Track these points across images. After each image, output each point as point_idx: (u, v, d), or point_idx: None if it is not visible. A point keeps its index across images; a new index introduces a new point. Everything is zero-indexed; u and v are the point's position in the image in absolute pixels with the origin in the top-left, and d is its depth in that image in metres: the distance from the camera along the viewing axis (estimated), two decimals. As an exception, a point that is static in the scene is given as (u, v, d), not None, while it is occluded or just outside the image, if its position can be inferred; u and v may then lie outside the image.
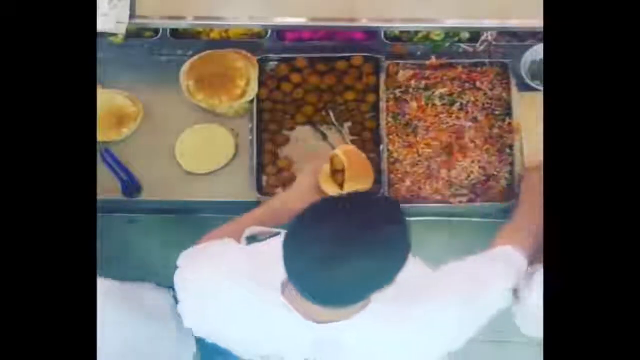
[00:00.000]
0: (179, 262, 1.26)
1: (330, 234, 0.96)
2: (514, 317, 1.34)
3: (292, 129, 1.70)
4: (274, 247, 1.04)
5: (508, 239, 1.33)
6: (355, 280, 0.98)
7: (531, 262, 1.30)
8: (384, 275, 1.01)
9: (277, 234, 1.27)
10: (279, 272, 1.02)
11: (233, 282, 1.17)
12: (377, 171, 1.63)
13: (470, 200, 1.66)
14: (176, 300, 1.26)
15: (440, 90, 1.68)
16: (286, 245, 1.00)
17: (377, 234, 0.98)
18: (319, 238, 0.97)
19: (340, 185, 1.47)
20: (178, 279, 1.24)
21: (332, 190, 1.47)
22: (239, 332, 1.19)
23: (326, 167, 1.49)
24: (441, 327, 1.18)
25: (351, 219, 0.98)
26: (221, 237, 1.30)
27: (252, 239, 1.32)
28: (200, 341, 1.57)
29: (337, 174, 1.49)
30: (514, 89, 1.67)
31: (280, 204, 1.47)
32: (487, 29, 1.68)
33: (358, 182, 1.49)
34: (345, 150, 1.50)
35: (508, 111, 1.67)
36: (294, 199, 1.44)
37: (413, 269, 1.20)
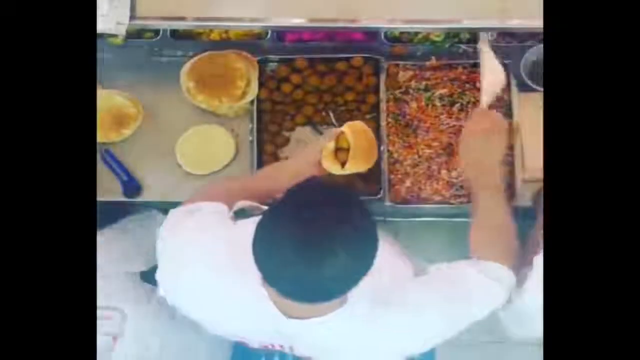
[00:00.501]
0: (165, 221, 1.26)
1: (303, 229, 0.95)
2: (500, 321, 1.33)
3: (292, 129, 1.70)
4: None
5: (489, 254, 1.30)
6: (328, 277, 0.96)
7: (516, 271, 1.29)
8: (355, 274, 1.00)
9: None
10: None
11: (213, 260, 1.16)
12: (378, 172, 1.63)
13: (470, 201, 1.65)
14: None
15: (441, 91, 1.68)
16: (257, 240, 1.00)
17: (351, 229, 0.97)
18: (290, 234, 0.96)
19: (342, 164, 1.45)
20: (159, 239, 1.24)
21: (333, 168, 1.45)
22: (210, 309, 1.20)
23: (331, 144, 1.46)
24: (413, 331, 1.17)
25: (324, 213, 0.97)
26: (211, 198, 1.29)
27: (241, 212, 1.31)
28: (235, 347, 1.58)
29: (341, 152, 1.46)
30: (514, 90, 1.66)
31: (277, 173, 1.46)
32: (487, 30, 1.68)
33: (360, 163, 1.47)
34: (353, 130, 1.46)
35: (508, 112, 1.67)
36: (292, 170, 1.44)
37: (397, 271, 1.21)
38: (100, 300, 1.41)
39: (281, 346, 1.21)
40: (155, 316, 1.52)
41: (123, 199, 1.67)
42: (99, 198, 1.60)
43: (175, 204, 1.58)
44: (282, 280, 0.99)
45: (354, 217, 0.98)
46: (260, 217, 1.03)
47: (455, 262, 1.28)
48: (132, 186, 1.67)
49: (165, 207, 1.43)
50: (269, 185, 1.41)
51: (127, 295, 1.52)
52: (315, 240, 0.95)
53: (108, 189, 1.66)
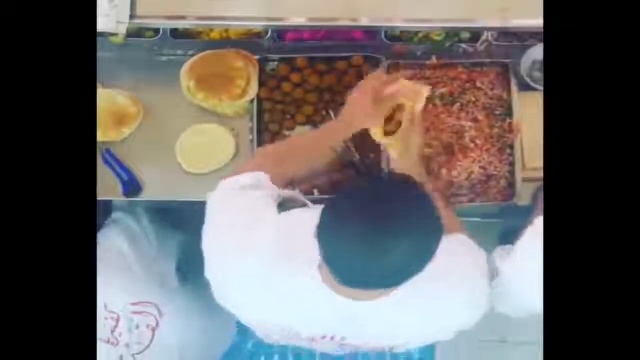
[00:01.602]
0: (215, 193, 1.25)
1: (368, 216, 0.96)
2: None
3: (292, 129, 1.70)
4: (308, 220, 1.04)
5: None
6: (390, 266, 0.97)
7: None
8: (416, 264, 1.01)
9: (306, 205, 1.28)
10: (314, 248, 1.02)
11: (263, 250, 1.15)
12: (378, 171, 1.63)
13: (470, 200, 1.65)
14: None
15: (441, 90, 1.68)
16: (322, 225, 1.00)
17: (413, 217, 0.98)
18: (356, 220, 0.96)
19: (388, 134, 1.43)
20: (208, 212, 1.23)
21: (378, 136, 1.42)
22: (262, 302, 1.18)
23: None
24: (452, 304, 1.19)
25: (389, 201, 0.98)
26: (261, 167, 1.28)
27: (280, 205, 1.29)
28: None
29: (390, 122, 1.44)
30: (514, 89, 1.66)
31: (325, 132, 1.46)
32: (487, 29, 1.68)
33: (404, 146, 1.43)
34: (415, 107, 1.42)
35: (508, 111, 1.66)
36: (341, 127, 1.43)
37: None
38: (137, 296, 1.44)
39: (332, 337, 1.19)
40: (188, 311, 1.55)
41: (123, 197, 1.67)
42: (99, 197, 1.61)
43: (175, 203, 1.60)
44: (345, 268, 1.00)
45: (418, 207, 1.00)
46: (325, 203, 1.03)
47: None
48: (132, 185, 1.67)
49: (164, 207, 1.44)
50: (317, 147, 1.41)
51: (161, 291, 1.54)
52: (380, 228, 0.96)
53: (108, 188, 1.66)
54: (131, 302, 1.49)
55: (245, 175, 1.27)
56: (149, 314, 1.51)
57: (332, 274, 1.03)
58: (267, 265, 1.15)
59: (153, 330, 1.52)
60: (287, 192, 1.30)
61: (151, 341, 1.52)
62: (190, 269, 1.62)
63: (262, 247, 1.16)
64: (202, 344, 1.64)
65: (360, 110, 1.41)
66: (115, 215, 1.74)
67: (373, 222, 0.96)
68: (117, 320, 1.48)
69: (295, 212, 1.22)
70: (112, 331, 1.48)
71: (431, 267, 1.08)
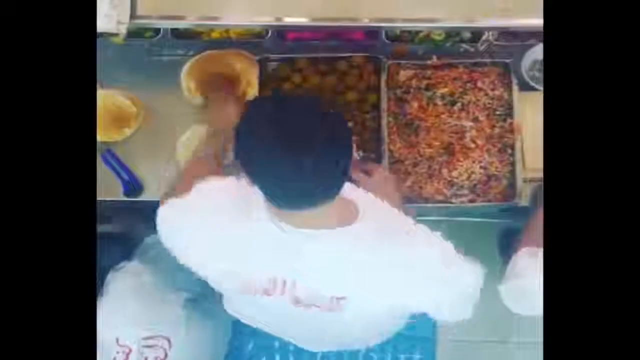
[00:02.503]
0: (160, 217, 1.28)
1: (282, 126, 1.01)
2: (503, 297, 1.34)
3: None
4: None
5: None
6: (308, 178, 1.01)
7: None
8: (336, 174, 1.06)
9: None
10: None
11: (216, 210, 1.20)
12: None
13: (471, 201, 1.65)
14: None
15: (442, 91, 1.68)
16: (240, 140, 1.05)
17: (320, 131, 1.02)
18: (269, 134, 1.01)
19: None
20: (161, 227, 1.27)
21: None
22: (210, 248, 1.22)
23: None
24: (410, 279, 1.18)
25: (295, 116, 1.03)
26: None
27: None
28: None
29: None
30: (515, 89, 1.66)
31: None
32: (488, 29, 1.68)
33: None
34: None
35: (509, 111, 1.66)
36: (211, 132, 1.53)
37: (402, 219, 1.24)
38: (151, 330, 1.47)
39: (284, 282, 1.19)
40: (196, 341, 1.56)
41: (124, 198, 1.67)
42: (100, 198, 1.61)
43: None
44: (269, 183, 1.05)
45: (328, 122, 1.04)
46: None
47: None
48: (133, 185, 1.67)
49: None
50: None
51: (172, 323, 1.55)
52: (293, 136, 1.00)
53: (109, 188, 1.66)
54: (144, 336, 1.50)
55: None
56: (159, 347, 1.51)
57: (263, 194, 1.07)
58: (214, 211, 1.20)
59: None
60: None
61: None
62: (198, 299, 1.62)
63: (211, 199, 1.22)
64: None
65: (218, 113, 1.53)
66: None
67: (284, 138, 1.00)
68: (128, 354, 1.48)
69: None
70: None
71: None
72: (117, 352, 1.47)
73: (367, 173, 1.45)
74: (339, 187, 1.08)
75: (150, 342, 1.50)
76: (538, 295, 1.22)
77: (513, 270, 1.32)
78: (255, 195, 1.09)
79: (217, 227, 1.20)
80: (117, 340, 1.47)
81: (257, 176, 1.06)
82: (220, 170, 1.43)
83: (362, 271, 1.16)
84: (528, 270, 1.28)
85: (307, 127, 1.01)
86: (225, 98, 1.54)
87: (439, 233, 1.24)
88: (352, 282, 1.18)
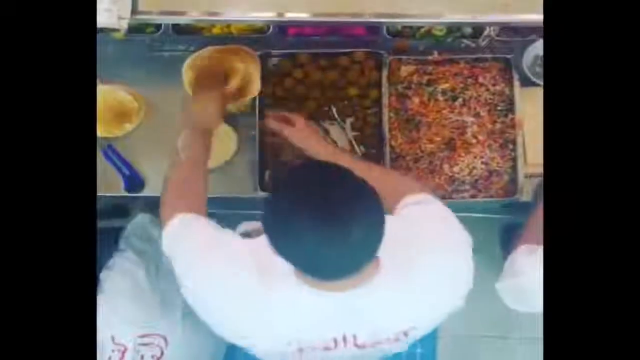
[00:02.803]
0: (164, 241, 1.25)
1: (313, 206, 0.98)
2: (501, 294, 1.35)
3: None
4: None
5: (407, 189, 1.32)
6: (347, 250, 0.99)
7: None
8: (374, 242, 1.03)
9: None
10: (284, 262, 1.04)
11: (239, 272, 1.16)
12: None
13: (472, 196, 1.66)
14: None
15: (443, 86, 1.68)
16: (268, 225, 1.03)
17: (355, 204, 1.00)
18: (300, 213, 0.98)
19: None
20: (174, 249, 1.23)
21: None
22: (254, 322, 1.17)
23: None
24: (453, 272, 1.18)
25: (326, 187, 1.00)
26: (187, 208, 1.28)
27: (246, 234, 1.32)
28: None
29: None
30: (516, 85, 1.66)
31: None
32: (489, 25, 1.68)
33: None
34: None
35: (511, 107, 1.66)
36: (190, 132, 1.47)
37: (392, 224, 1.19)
38: (146, 328, 1.47)
39: (344, 338, 1.18)
40: (192, 340, 1.56)
41: (125, 194, 1.67)
42: (102, 193, 1.62)
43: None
44: (302, 259, 1.03)
45: (359, 192, 1.02)
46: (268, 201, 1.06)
47: (401, 203, 1.27)
48: (134, 181, 1.67)
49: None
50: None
51: (168, 321, 1.54)
52: (326, 216, 0.98)
53: (110, 184, 1.66)
54: (139, 334, 1.49)
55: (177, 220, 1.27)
56: (155, 345, 1.51)
57: (294, 266, 1.05)
58: (248, 288, 1.15)
59: None
60: (248, 224, 1.32)
61: None
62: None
63: (236, 272, 1.16)
64: None
65: (200, 113, 1.49)
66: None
67: (316, 212, 0.98)
68: (124, 352, 1.48)
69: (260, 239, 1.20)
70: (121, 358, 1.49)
71: (407, 235, 1.14)
72: (113, 351, 1.47)
73: (289, 123, 1.48)
74: (370, 258, 1.06)
75: (146, 340, 1.50)
76: (536, 293, 1.23)
77: (511, 268, 1.32)
78: (279, 262, 1.06)
79: (243, 291, 1.16)
80: (113, 338, 1.47)
81: (286, 248, 1.03)
82: (205, 175, 1.40)
83: (410, 299, 1.16)
84: (526, 268, 1.28)
85: (340, 199, 0.99)
86: (210, 97, 1.51)
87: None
88: (409, 313, 1.18)
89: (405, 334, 1.19)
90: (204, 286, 1.19)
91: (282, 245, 1.03)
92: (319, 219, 0.98)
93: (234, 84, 1.62)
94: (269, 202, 1.05)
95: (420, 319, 1.19)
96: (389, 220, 1.15)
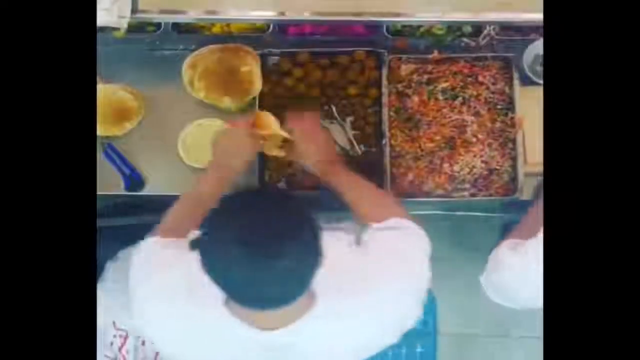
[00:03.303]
0: (136, 256, 1.24)
1: (247, 230, 0.96)
2: (484, 287, 1.35)
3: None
4: None
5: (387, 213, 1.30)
6: (277, 280, 0.97)
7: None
8: (307, 274, 1.01)
9: None
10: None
11: (175, 299, 1.14)
12: (380, 166, 1.64)
13: (472, 195, 1.66)
14: None
15: (443, 85, 1.68)
16: (202, 249, 1.00)
17: (292, 231, 0.97)
18: (234, 237, 0.96)
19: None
20: (132, 274, 1.22)
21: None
22: (186, 345, 1.16)
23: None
24: (391, 308, 1.16)
25: (262, 215, 0.98)
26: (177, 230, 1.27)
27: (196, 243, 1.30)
28: None
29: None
30: (516, 83, 1.66)
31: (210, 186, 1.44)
32: (489, 23, 1.68)
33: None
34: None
35: (511, 105, 1.66)
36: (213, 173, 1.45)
37: (348, 255, 1.21)
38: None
39: None
40: None
41: (125, 192, 1.67)
42: (102, 192, 1.62)
43: (176, 198, 1.59)
44: (230, 284, 1.00)
45: (297, 223, 1.00)
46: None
47: (373, 227, 1.26)
48: (134, 180, 1.67)
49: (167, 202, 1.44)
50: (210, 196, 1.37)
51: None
52: (259, 240, 0.96)
53: (110, 183, 1.66)
54: None
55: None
56: None
57: (225, 293, 1.02)
58: (181, 308, 1.14)
59: None
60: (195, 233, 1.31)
61: (155, 357, 1.52)
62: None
63: (173, 287, 1.15)
64: None
65: (226, 153, 1.45)
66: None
67: (250, 238, 0.96)
68: (126, 338, 1.48)
69: None
70: (120, 349, 1.48)
71: (362, 268, 1.13)
72: (114, 336, 1.47)
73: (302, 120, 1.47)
74: (301, 291, 1.03)
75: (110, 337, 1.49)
76: (518, 288, 1.24)
77: (494, 262, 1.32)
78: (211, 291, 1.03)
79: (174, 316, 1.15)
80: (114, 323, 1.47)
81: (215, 271, 1.00)
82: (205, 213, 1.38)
83: (343, 334, 1.14)
84: (508, 262, 1.28)
85: (276, 227, 0.97)
86: (237, 136, 1.45)
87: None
88: (343, 348, 1.16)
89: None
90: (144, 303, 1.18)
91: (212, 267, 1.00)
92: (252, 246, 0.95)
93: (243, 85, 1.61)
94: (207, 221, 1.02)
95: (353, 355, 1.17)
96: (348, 251, 1.17)
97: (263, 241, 0.96)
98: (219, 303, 1.09)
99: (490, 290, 1.34)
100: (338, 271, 1.12)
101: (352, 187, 1.39)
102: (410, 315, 1.19)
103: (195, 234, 1.26)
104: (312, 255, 1.01)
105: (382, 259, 1.20)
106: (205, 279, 1.00)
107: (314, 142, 1.45)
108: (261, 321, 1.08)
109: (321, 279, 1.05)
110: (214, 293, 1.03)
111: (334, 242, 1.20)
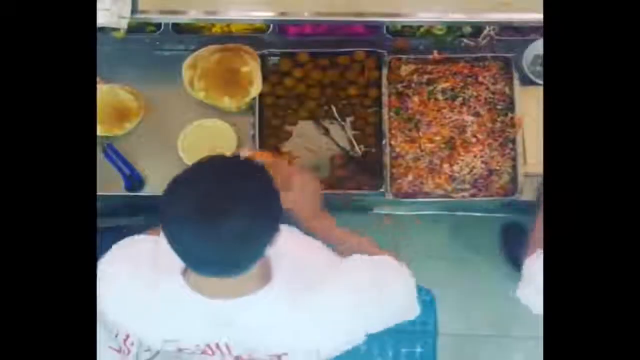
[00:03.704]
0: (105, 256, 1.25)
1: (202, 196, 0.97)
2: (523, 301, 1.33)
3: (294, 124, 1.70)
4: None
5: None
6: (229, 243, 0.97)
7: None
8: (254, 240, 1.01)
9: None
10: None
11: (138, 270, 1.17)
12: (380, 166, 1.64)
13: (472, 195, 1.66)
14: None
15: (443, 85, 1.68)
16: (162, 212, 1.01)
17: (246, 197, 0.98)
18: (191, 200, 0.97)
19: None
20: (100, 271, 1.22)
21: None
22: (139, 314, 1.18)
23: None
24: (340, 316, 1.15)
25: (221, 182, 0.99)
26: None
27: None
28: None
29: None
30: (516, 84, 1.66)
31: None
32: (489, 24, 1.68)
33: None
34: None
35: (510, 106, 1.66)
36: None
37: (321, 255, 1.22)
38: None
39: (217, 346, 1.17)
40: None
41: (125, 193, 1.67)
42: (102, 192, 1.62)
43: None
44: (186, 250, 1.01)
45: (250, 180, 1.01)
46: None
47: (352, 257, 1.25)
48: (134, 180, 1.67)
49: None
50: None
51: None
52: (212, 203, 0.97)
53: (110, 183, 1.66)
54: None
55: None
56: None
57: (180, 258, 1.03)
58: (142, 279, 1.16)
59: None
60: None
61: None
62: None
63: (135, 263, 1.18)
64: None
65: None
66: None
67: (207, 202, 0.97)
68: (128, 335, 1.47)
69: None
70: (125, 341, 1.48)
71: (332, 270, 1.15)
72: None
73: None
74: (260, 254, 1.04)
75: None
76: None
77: (528, 274, 1.31)
78: (171, 260, 1.05)
79: (135, 287, 1.17)
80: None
81: (172, 237, 1.01)
82: None
83: (293, 324, 1.14)
84: (539, 274, 1.26)
85: (228, 190, 0.98)
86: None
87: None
88: (287, 337, 1.15)
89: (279, 358, 1.17)
90: (110, 289, 1.19)
91: (170, 233, 1.01)
92: (207, 212, 0.96)
93: (244, 86, 1.61)
94: (165, 191, 1.03)
95: (296, 347, 1.16)
96: (320, 253, 1.20)
97: (216, 202, 0.97)
98: (177, 272, 1.11)
99: (531, 303, 1.32)
100: (304, 265, 1.15)
101: (337, 240, 1.35)
102: (357, 330, 1.17)
103: None
104: (265, 218, 1.01)
105: (355, 270, 1.19)
106: (165, 247, 1.02)
107: (300, 195, 1.38)
108: (212, 289, 1.09)
109: (285, 265, 1.09)
110: (174, 263, 1.05)
111: (309, 240, 1.24)
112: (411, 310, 1.24)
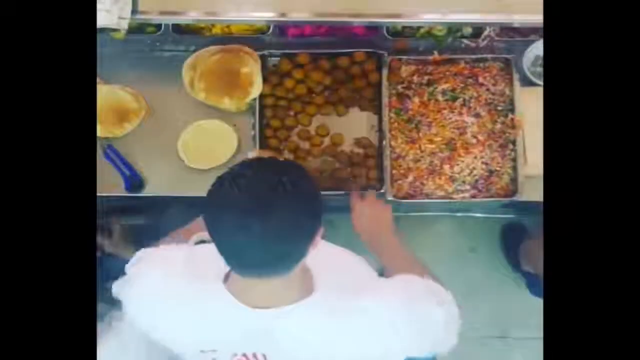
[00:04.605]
0: (129, 264, 1.26)
1: (246, 193, 0.99)
2: None
3: (294, 124, 1.70)
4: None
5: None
6: (273, 243, 0.99)
7: None
8: (300, 239, 1.03)
9: None
10: (221, 265, 1.04)
11: (173, 279, 1.17)
12: (380, 167, 1.64)
13: (473, 196, 1.66)
14: None
15: (443, 86, 1.68)
16: (207, 210, 1.03)
17: (289, 195, 0.99)
18: (235, 204, 0.99)
19: None
20: (125, 281, 1.24)
21: None
22: (175, 322, 1.18)
23: None
24: (376, 335, 1.14)
25: (266, 180, 1.00)
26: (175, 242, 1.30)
27: (200, 242, 1.32)
28: None
29: None
30: (516, 85, 1.66)
31: None
32: (489, 25, 1.68)
33: None
34: None
35: (511, 107, 1.66)
36: None
37: (363, 272, 1.23)
38: None
39: (254, 355, 1.16)
40: None
41: (125, 193, 1.67)
42: (102, 193, 1.62)
43: (176, 199, 1.60)
44: (232, 250, 1.02)
45: (293, 180, 1.01)
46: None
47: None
48: (134, 181, 1.67)
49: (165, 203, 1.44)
50: None
51: None
52: (256, 201, 0.98)
53: (110, 184, 1.66)
54: None
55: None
56: None
57: (224, 260, 1.04)
58: (175, 285, 1.16)
59: None
60: (203, 234, 1.32)
61: None
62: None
63: (172, 271, 1.19)
64: None
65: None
66: None
67: (252, 200, 0.98)
68: None
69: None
70: None
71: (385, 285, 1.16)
72: None
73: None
74: (303, 253, 1.05)
75: None
76: None
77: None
78: (211, 269, 1.08)
79: (174, 297, 1.17)
80: None
81: (221, 242, 1.03)
82: None
83: (331, 338, 1.13)
84: None
85: (272, 189, 0.99)
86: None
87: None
88: (324, 351, 1.15)
89: None
90: (142, 296, 1.20)
91: (216, 232, 1.02)
92: (251, 209, 0.97)
93: (244, 87, 1.61)
94: (211, 189, 1.04)
95: (336, 356, 1.16)
96: (361, 266, 1.22)
97: (260, 200, 0.98)
98: (218, 280, 1.11)
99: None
100: (346, 280, 1.15)
101: (397, 265, 1.36)
102: (396, 348, 1.15)
103: (200, 235, 1.30)
104: (307, 216, 1.02)
105: (396, 289, 1.18)
106: (207, 260, 1.04)
107: (372, 222, 1.46)
108: (255, 298, 1.09)
109: (327, 279, 1.10)
110: (214, 271, 1.07)
111: (349, 254, 1.25)
112: (450, 340, 1.21)
